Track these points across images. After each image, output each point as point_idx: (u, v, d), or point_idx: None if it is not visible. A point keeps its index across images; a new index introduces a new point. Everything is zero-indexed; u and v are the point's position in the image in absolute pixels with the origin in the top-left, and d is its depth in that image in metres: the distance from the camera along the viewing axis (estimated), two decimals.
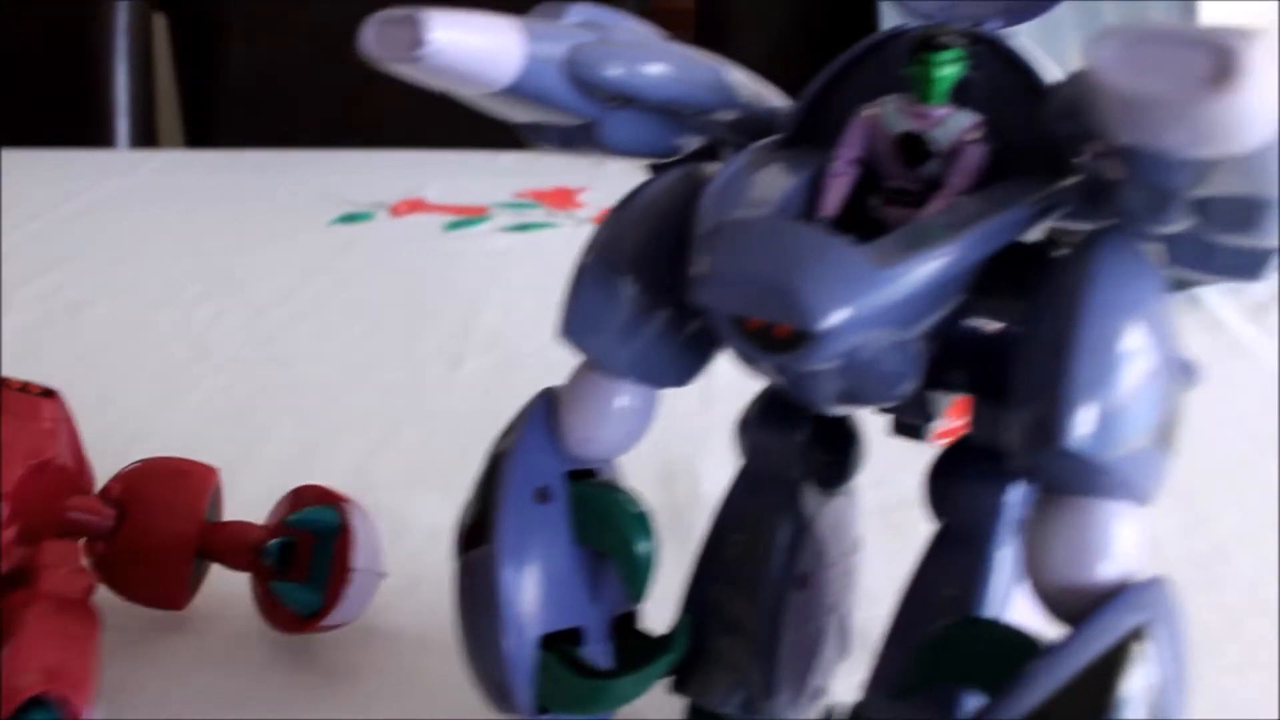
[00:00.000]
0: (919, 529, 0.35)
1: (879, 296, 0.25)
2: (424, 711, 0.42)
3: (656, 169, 0.34)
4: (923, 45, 0.29)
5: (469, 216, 0.97)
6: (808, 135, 0.32)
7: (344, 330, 0.77)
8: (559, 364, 0.35)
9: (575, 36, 0.30)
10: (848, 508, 0.38)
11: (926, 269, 0.26)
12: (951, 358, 0.31)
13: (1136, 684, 0.26)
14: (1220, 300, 0.83)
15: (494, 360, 0.71)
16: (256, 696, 0.43)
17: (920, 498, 0.35)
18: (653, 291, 0.31)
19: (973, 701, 0.31)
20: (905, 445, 0.36)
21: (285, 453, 0.60)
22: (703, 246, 0.27)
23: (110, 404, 0.63)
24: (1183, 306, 0.82)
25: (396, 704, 0.43)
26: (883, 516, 0.46)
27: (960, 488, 0.33)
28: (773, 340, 0.25)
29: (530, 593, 0.33)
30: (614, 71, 0.30)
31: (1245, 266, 0.29)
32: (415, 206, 1.00)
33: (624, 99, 0.31)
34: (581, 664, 0.34)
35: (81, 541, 0.42)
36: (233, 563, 0.44)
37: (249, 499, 0.46)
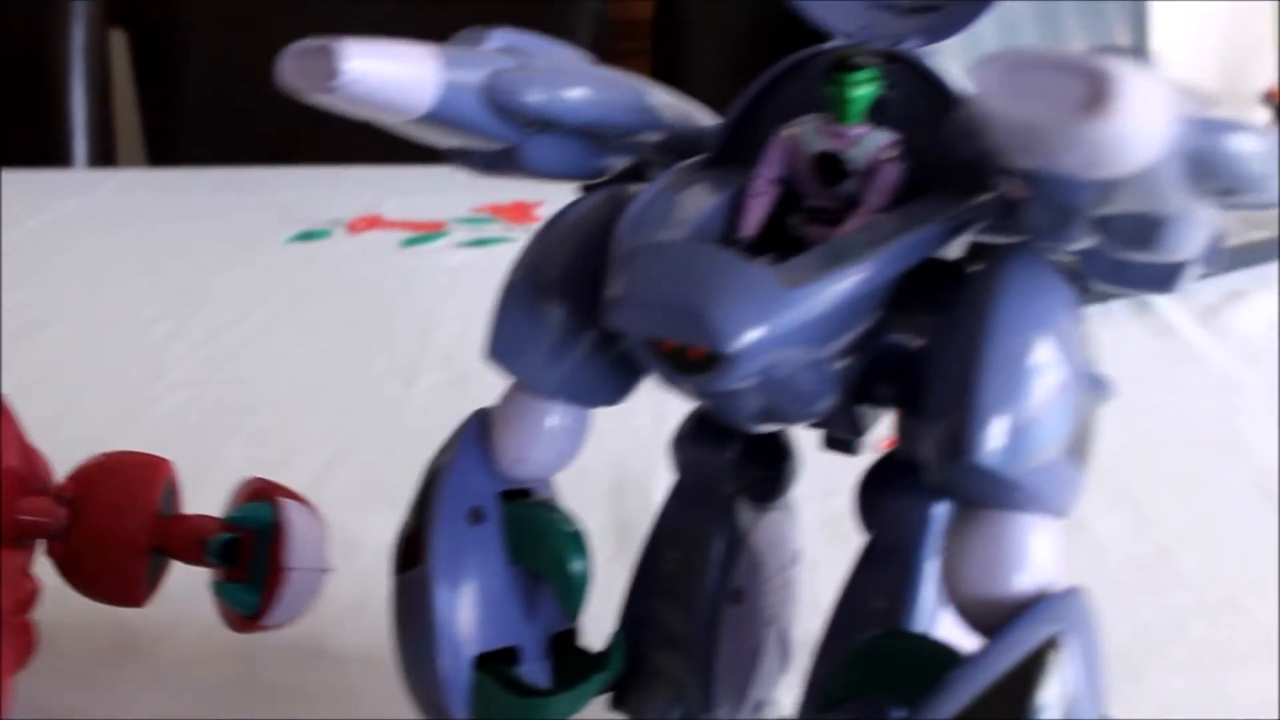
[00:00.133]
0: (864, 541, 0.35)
1: (789, 317, 0.25)
2: None
3: (588, 189, 0.34)
4: (838, 65, 0.29)
5: (426, 232, 0.98)
6: (731, 155, 0.32)
7: (300, 349, 0.77)
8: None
9: (494, 63, 0.30)
10: (785, 521, 0.39)
11: (836, 288, 0.26)
12: (878, 372, 0.32)
13: (1052, 693, 0.26)
14: (1170, 305, 0.83)
15: (448, 376, 0.71)
16: None
17: None
18: (579, 312, 0.31)
19: (901, 714, 0.31)
20: (852, 458, 0.36)
21: (238, 472, 0.60)
22: (616, 269, 0.27)
23: (66, 424, 0.63)
24: (1133, 311, 0.83)
25: None
26: (828, 528, 0.47)
27: (888, 501, 0.34)
28: (687, 362, 0.26)
29: (464, 613, 0.33)
30: (531, 97, 0.30)
31: (1158, 280, 0.29)
32: (373, 223, 1.00)
33: (543, 123, 0.31)
34: (517, 683, 0.34)
35: (42, 543, 0.41)
36: (187, 558, 0.43)
37: None
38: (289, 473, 0.59)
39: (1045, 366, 0.26)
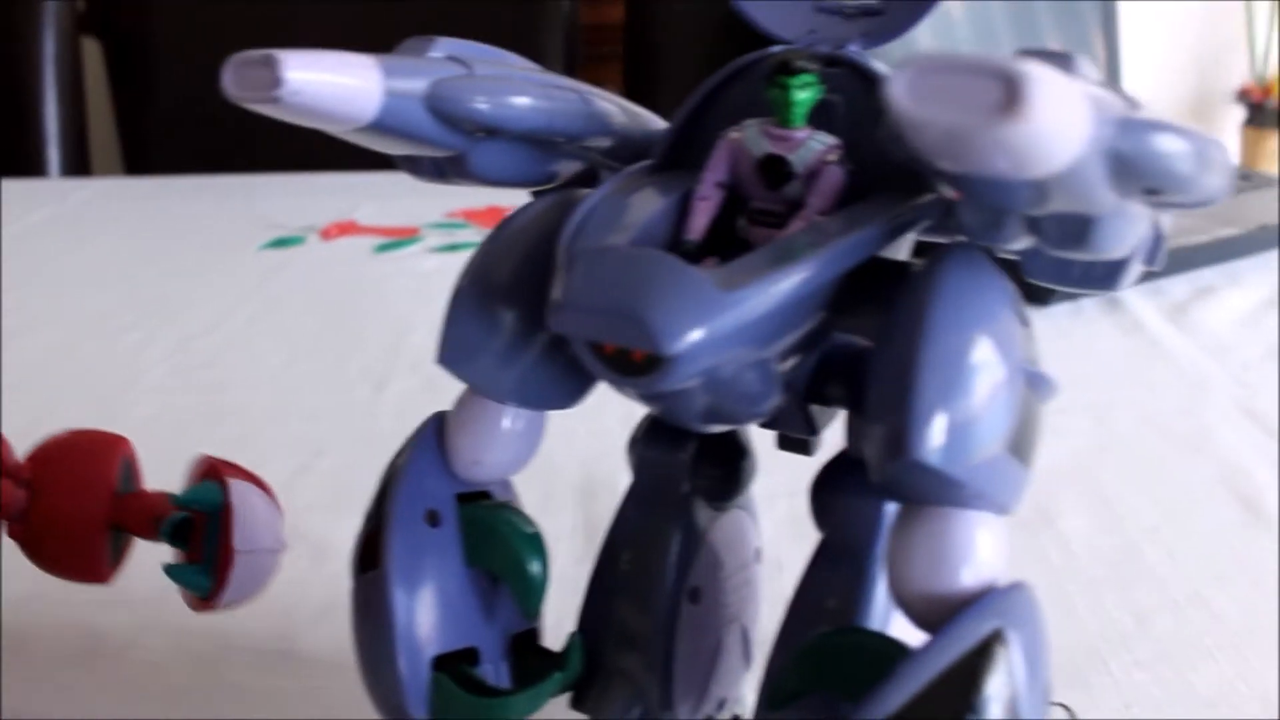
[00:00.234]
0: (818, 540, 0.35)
1: (728, 318, 0.25)
2: None
3: (538, 195, 0.34)
4: (780, 69, 0.30)
5: (399, 238, 0.98)
6: (679, 159, 0.33)
7: (271, 355, 0.77)
8: None
9: (437, 71, 0.30)
10: (744, 520, 0.39)
11: (776, 289, 0.26)
12: (829, 373, 0.32)
13: (996, 686, 0.26)
14: (1140, 302, 0.84)
15: (419, 382, 0.71)
16: None
17: None
18: (530, 317, 0.32)
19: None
20: (821, 456, 0.36)
21: None
22: (559, 274, 0.27)
23: (38, 432, 0.62)
24: (1103, 309, 0.83)
25: None
26: (797, 526, 0.47)
27: (841, 501, 0.34)
28: (629, 365, 0.26)
29: (423, 615, 0.34)
30: (474, 105, 0.30)
31: (1101, 278, 0.30)
32: (346, 229, 1.00)
33: (489, 130, 0.31)
34: (476, 683, 0.34)
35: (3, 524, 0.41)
36: (146, 535, 0.42)
37: None
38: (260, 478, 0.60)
39: (984, 364, 0.27)
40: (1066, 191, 0.23)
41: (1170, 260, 0.93)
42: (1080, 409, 0.69)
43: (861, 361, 0.32)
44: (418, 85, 0.29)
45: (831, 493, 0.34)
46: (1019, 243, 0.27)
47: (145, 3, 1.38)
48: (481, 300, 0.32)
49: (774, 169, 0.30)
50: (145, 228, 1.04)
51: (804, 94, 0.30)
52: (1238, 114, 2.69)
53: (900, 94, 0.19)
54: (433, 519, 0.34)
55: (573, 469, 0.60)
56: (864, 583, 0.33)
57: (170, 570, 0.41)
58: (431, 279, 0.89)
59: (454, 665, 0.34)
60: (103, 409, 0.69)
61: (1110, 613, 0.51)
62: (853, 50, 0.31)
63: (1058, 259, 0.29)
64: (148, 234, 1.02)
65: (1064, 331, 0.80)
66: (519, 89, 0.31)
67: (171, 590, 0.43)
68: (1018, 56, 0.19)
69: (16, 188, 1.18)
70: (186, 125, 1.36)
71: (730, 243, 0.31)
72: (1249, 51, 2.66)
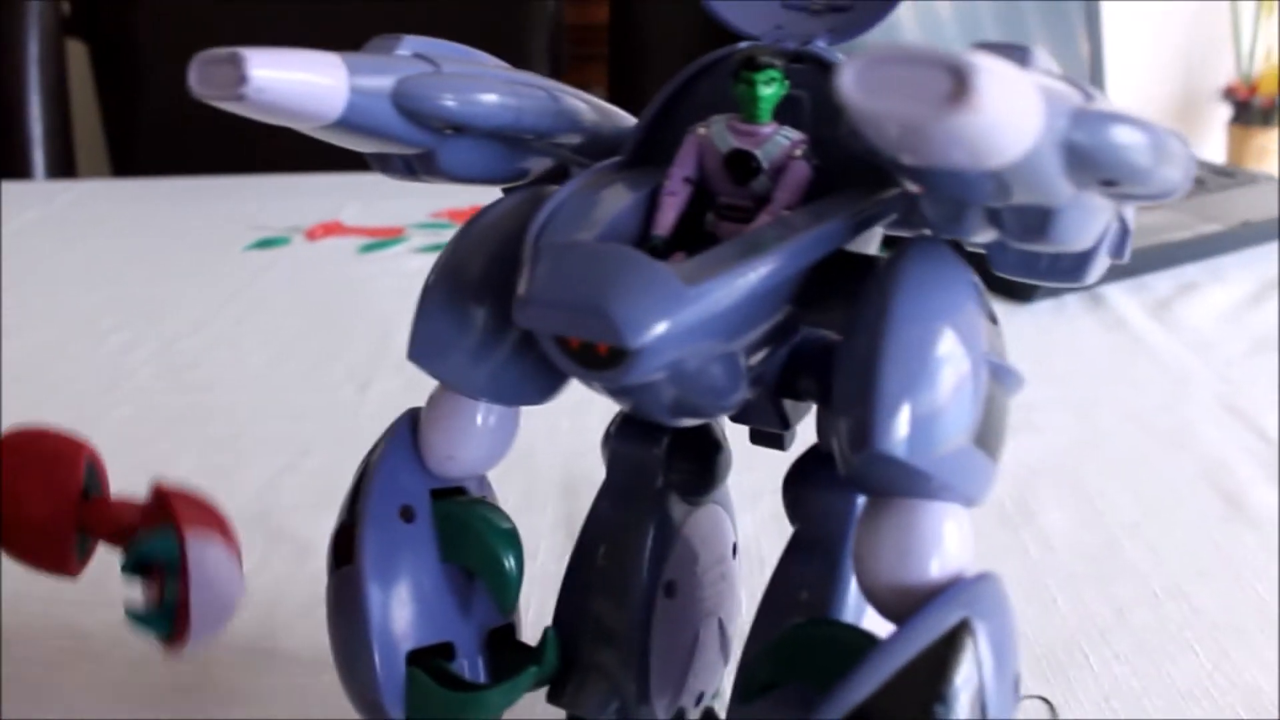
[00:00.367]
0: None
1: (692, 311, 0.26)
2: None
3: (508, 192, 0.35)
4: (746, 64, 0.30)
5: (384, 239, 0.98)
6: (648, 155, 0.33)
7: (256, 356, 0.77)
8: None
9: (404, 69, 0.30)
10: (720, 515, 0.39)
11: (740, 283, 0.26)
12: (800, 366, 0.32)
13: (964, 675, 0.27)
14: (1123, 298, 0.84)
15: (402, 382, 0.71)
16: None
17: None
18: (501, 313, 0.32)
19: None
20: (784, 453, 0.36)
21: (192, 480, 0.60)
22: (524, 269, 0.27)
23: None
24: (1086, 304, 0.83)
25: None
26: (780, 522, 0.47)
27: (813, 495, 0.34)
28: (594, 359, 0.26)
29: (397, 610, 0.34)
30: (441, 102, 0.30)
31: (1069, 270, 0.30)
32: (331, 230, 1.00)
33: (456, 127, 0.31)
34: (451, 677, 0.35)
35: None
36: (114, 543, 0.42)
37: None
38: (243, 478, 0.60)
39: (947, 355, 0.27)
40: (1023, 183, 0.23)
41: (1153, 256, 0.94)
42: (1063, 405, 0.69)
43: (832, 355, 0.33)
44: (384, 83, 0.30)
45: (803, 486, 0.34)
46: (981, 235, 0.27)
47: (130, 5, 1.38)
48: (452, 296, 0.32)
49: (741, 164, 0.30)
50: (131, 229, 1.04)
51: (769, 89, 0.30)
52: (1224, 112, 2.70)
53: (849, 86, 0.19)
54: (407, 515, 0.34)
55: (554, 466, 0.60)
56: (837, 575, 0.33)
57: (131, 616, 0.41)
58: (416, 279, 0.87)
59: (429, 660, 0.34)
60: (88, 409, 0.69)
61: (1090, 606, 0.51)
62: (819, 46, 0.31)
63: (1024, 252, 0.29)
64: (134, 235, 1.02)
65: (1047, 328, 0.80)
66: (486, 86, 0.31)
67: None
68: (969, 49, 0.20)
69: (2, 190, 1.18)
70: (172, 127, 1.36)
71: (698, 238, 0.31)
72: (1234, 50, 2.66)
